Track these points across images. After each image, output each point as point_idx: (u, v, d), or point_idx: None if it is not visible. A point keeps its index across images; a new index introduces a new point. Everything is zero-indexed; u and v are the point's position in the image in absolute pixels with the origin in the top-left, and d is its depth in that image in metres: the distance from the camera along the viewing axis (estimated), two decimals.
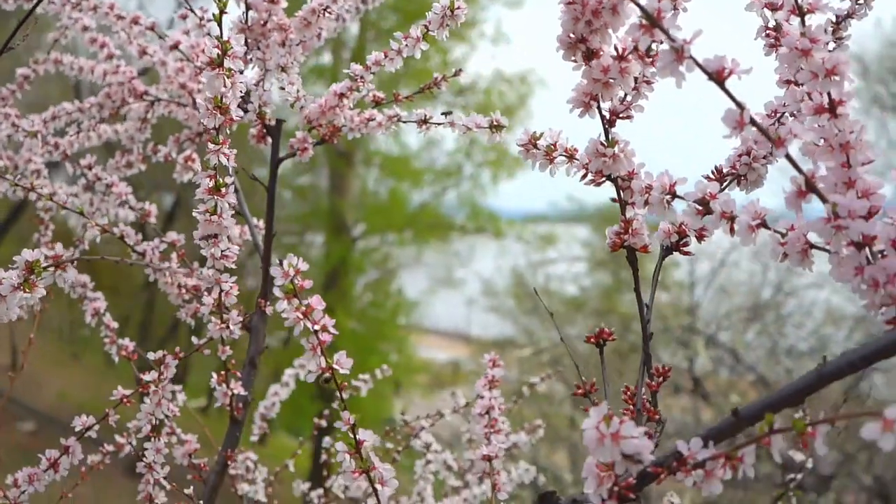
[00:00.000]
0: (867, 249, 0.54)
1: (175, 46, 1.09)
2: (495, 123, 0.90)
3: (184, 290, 1.05)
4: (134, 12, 1.16)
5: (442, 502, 1.25)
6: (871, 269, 0.52)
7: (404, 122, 1.00)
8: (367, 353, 9.43)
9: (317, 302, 0.65)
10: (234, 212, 1.09)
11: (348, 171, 11.50)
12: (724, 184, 0.71)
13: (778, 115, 0.71)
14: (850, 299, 7.79)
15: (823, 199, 0.53)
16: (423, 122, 0.98)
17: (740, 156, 0.70)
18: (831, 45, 0.74)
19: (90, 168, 1.16)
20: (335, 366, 0.65)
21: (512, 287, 10.44)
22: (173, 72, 1.16)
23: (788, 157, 0.53)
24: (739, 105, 0.52)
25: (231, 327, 0.92)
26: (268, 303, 0.99)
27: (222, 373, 0.98)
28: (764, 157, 0.69)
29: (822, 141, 0.57)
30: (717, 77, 0.52)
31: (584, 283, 10.01)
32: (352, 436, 0.67)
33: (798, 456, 1.13)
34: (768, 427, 0.49)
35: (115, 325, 1.11)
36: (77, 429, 0.93)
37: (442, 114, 0.97)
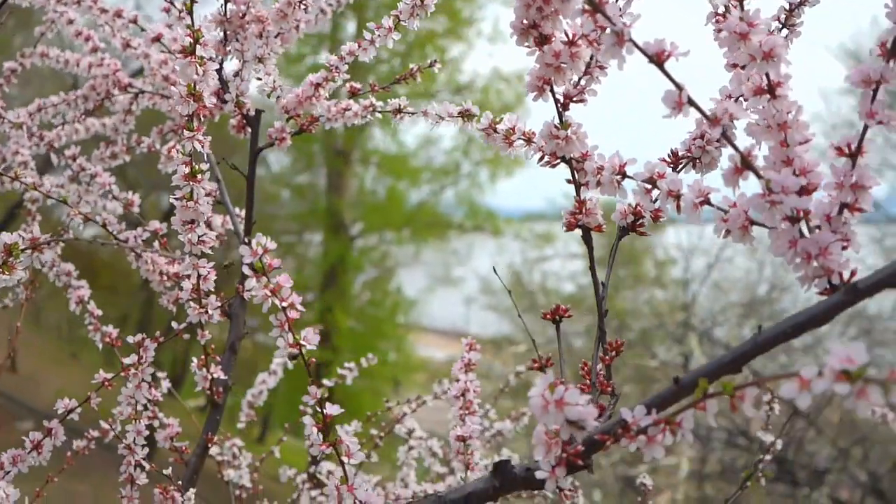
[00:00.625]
0: (803, 224, 0.56)
1: (157, 39, 1.12)
2: (465, 112, 0.92)
3: (165, 278, 1.07)
4: (119, 8, 1.18)
5: (422, 486, 1.28)
6: (803, 243, 0.54)
7: (379, 111, 1.03)
8: (365, 351, 9.41)
9: (285, 280, 0.67)
10: (215, 201, 1.12)
11: (346, 170, 11.53)
12: (680, 166, 0.73)
13: (732, 99, 0.73)
14: None
15: (759, 176, 0.55)
16: (398, 111, 1.01)
17: (695, 139, 0.73)
18: (784, 32, 0.77)
19: (74, 159, 1.18)
20: (302, 342, 0.68)
21: (510, 285, 10.43)
22: (156, 64, 1.19)
23: (724, 134, 0.55)
24: (678, 86, 0.55)
25: (210, 312, 0.95)
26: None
27: (202, 357, 1.00)
28: (718, 141, 0.71)
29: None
30: (657, 59, 0.54)
31: (582, 280, 10.04)
32: (319, 410, 0.69)
33: (767, 437, 1.16)
34: (703, 392, 0.51)
35: (98, 312, 1.14)
36: (59, 411, 0.96)
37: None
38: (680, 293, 7.87)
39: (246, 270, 0.66)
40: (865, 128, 0.56)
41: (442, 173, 12.11)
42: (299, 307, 0.67)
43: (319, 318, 10.39)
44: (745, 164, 0.56)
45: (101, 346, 1.10)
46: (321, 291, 11.10)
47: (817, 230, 0.56)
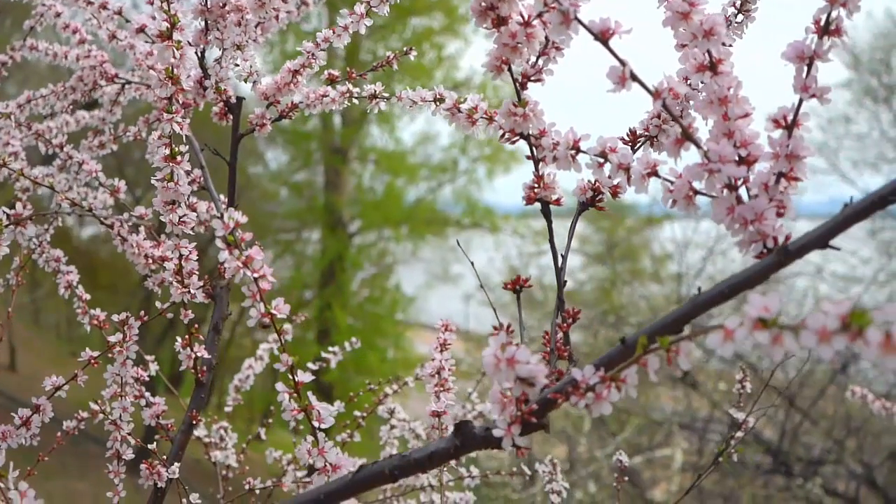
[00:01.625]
0: (743, 191, 0.59)
1: (141, 30, 1.15)
2: (438, 97, 0.95)
3: (150, 261, 1.10)
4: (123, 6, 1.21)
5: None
6: (741, 209, 0.58)
7: (356, 97, 1.06)
8: (364, 348, 9.50)
9: (256, 252, 0.70)
10: (199, 187, 1.15)
11: (343, 167, 11.57)
12: (638, 144, 0.76)
13: (688, 80, 0.76)
14: (840, 290, 7.88)
15: (698, 146, 0.58)
16: (373, 97, 1.04)
17: (652, 118, 0.76)
18: (739, 17, 0.80)
19: (62, 147, 1.21)
20: (273, 311, 0.71)
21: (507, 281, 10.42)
22: (142, 55, 1.22)
23: (665, 107, 0.58)
24: (622, 62, 0.58)
25: (192, 291, 0.98)
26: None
27: (186, 337, 1.03)
28: (672, 119, 0.74)
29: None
30: (602, 37, 0.57)
31: (580, 276, 10.10)
32: (291, 377, 0.72)
33: (739, 415, 1.19)
34: (643, 349, 0.54)
35: (87, 296, 1.17)
36: (47, 388, 0.99)
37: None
38: (676, 287, 7.92)
39: (219, 243, 0.69)
40: (801, 100, 0.59)
41: (439, 170, 12.16)
42: (271, 278, 0.70)
43: (318, 316, 10.45)
44: (685, 135, 0.59)
45: (89, 328, 1.13)
46: (320, 289, 11.15)
47: (756, 198, 0.59)
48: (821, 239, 0.53)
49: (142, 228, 1.11)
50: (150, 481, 1.03)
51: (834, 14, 0.58)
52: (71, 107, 1.29)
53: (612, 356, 0.59)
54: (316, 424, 0.72)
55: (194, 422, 1.06)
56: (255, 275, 0.70)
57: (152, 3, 1.12)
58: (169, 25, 0.79)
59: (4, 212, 0.74)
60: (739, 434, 1.16)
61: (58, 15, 1.28)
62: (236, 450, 1.39)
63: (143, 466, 1.03)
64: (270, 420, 1.55)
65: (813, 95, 0.58)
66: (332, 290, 10.97)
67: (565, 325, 0.70)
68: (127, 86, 1.28)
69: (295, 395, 0.71)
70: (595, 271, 10.15)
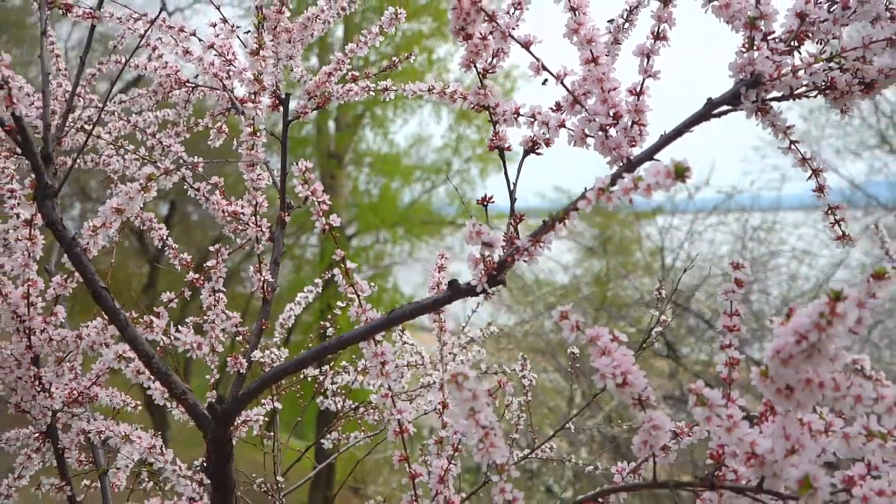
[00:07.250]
0: (613, 131, 1.01)
1: (211, 46, 1.56)
2: (431, 87, 1.36)
3: (225, 214, 1.51)
4: (182, 24, 1.62)
5: (413, 358, 1.72)
6: (608, 142, 0.99)
7: (373, 91, 1.47)
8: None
9: (319, 186, 1.11)
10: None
11: (339, 171, 11.98)
12: (561, 111, 1.18)
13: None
14: (820, 270, 8.30)
15: (582, 106, 1.00)
16: (386, 89, 1.45)
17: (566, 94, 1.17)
18: (626, 25, 1.22)
19: (154, 135, 1.62)
20: (331, 222, 1.12)
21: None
22: (208, 64, 1.63)
23: (563, 84, 1.00)
24: (537, 59, 0.99)
25: (264, 230, 1.39)
26: (287, 214, 1.46)
27: (257, 265, 1.44)
28: (583, 96, 1.16)
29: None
30: (526, 45, 0.99)
31: (575, 271, 10.51)
32: (343, 265, 1.14)
33: (664, 321, 1.60)
34: (564, 213, 0.95)
35: (176, 246, 1.58)
36: (164, 300, 1.40)
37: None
38: (663, 275, 8.37)
39: (296, 180, 1.10)
40: (644, 79, 1.00)
41: (433, 171, 12.57)
42: (328, 201, 1.12)
43: (319, 318, 10.84)
44: (575, 100, 1.00)
45: (179, 268, 1.54)
46: (320, 291, 11.53)
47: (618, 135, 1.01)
48: (649, 154, 0.95)
49: (217, 191, 1.52)
50: (235, 369, 1.44)
51: (662, 27, 1.00)
52: (154, 105, 1.70)
53: (538, 231, 1.01)
54: (360, 293, 1.13)
55: (263, 328, 1.47)
56: (319, 199, 1.11)
57: (215, 26, 1.54)
58: (258, 45, 1.21)
59: (157, 166, 1.14)
60: (658, 329, 1.57)
61: (141, 36, 1.69)
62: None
63: (228, 359, 1.45)
64: (312, 336, 1.94)
65: (650, 76, 1.00)
66: (331, 292, 11.31)
67: (516, 222, 1.11)
68: (195, 89, 1.69)
69: (346, 276, 1.13)
70: (590, 265, 10.57)
